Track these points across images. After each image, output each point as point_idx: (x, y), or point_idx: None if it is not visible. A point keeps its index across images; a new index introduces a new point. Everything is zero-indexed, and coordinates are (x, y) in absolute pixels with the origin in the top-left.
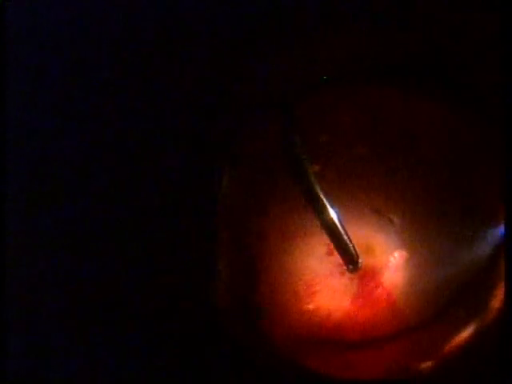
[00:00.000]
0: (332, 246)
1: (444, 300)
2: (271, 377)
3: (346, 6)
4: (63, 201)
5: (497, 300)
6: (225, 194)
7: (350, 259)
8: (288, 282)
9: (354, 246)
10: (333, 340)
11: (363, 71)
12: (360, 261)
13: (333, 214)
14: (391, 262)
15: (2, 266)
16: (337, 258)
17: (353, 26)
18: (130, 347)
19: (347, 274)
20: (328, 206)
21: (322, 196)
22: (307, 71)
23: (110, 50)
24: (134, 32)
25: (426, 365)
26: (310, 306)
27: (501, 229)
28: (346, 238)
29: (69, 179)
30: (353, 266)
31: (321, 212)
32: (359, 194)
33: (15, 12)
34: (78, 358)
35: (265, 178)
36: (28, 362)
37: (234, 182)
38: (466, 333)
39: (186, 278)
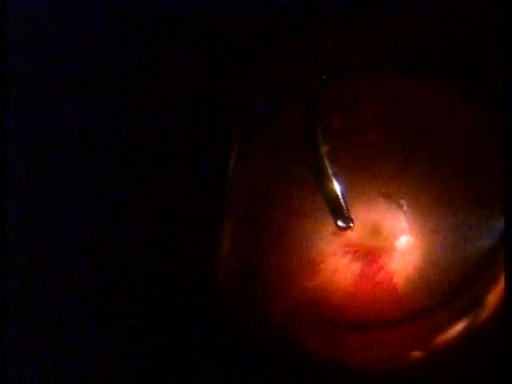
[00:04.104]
0: None
1: (446, 289)
2: (269, 354)
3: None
4: (63, 191)
5: (497, 292)
6: (235, 173)
7: (340, 214)
8: (293, 258)
9: (347, 207)
10: (332, 320)
11: (385, 61)
12: (351, 220)
13: (336, 185)
14: (397, 246)
15: (2, 266)
16: (343, 238)
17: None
18: (130, 339)
19: (352, 256)
20: (333, 179)
21: (329, 170)
22: (330, 59)
23: (113, 49)
24: (136, 32)
25: (421, 355)
26: (313, 284)
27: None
28: (342, 199)
29: (73, 171)
30: (343, 223)
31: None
32: (370, 178)
33: (15, 11)
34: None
35: (277, 158)
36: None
37: (245, 160)
38: (465, 324)
39: (192, 253)
